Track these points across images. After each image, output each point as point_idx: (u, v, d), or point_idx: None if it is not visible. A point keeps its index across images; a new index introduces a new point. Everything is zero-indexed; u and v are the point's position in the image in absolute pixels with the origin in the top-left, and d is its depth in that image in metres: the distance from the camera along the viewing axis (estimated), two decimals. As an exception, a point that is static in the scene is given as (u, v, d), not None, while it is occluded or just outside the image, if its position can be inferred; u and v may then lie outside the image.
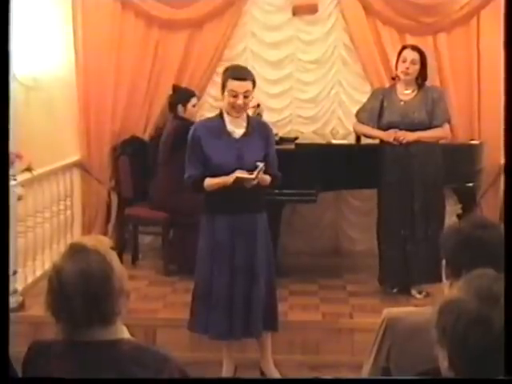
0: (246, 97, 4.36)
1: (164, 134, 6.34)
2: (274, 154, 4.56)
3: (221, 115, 4.49)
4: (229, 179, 4.31)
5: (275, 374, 4.72)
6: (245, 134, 4.46)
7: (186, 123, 6.26)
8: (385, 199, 5.73)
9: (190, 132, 4.53)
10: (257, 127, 4.53)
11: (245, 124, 4.48)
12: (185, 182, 4.54)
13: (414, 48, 5.69)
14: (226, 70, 4.54)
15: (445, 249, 2.36)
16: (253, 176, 4.28)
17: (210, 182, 4.41)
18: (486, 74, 6.62)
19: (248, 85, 4.38)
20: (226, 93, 4.38)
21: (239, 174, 4.29)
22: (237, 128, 4.46)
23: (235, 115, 4.42)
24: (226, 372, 4.72)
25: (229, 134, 4.44)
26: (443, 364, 1.70)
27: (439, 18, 6.70)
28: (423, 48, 5.80)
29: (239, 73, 4.46)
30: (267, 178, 4.45)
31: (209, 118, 4.74)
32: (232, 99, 4.36)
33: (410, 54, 5.59)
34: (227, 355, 4.74)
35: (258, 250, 4.50)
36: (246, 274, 4.47)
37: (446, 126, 5.73)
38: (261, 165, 4.32)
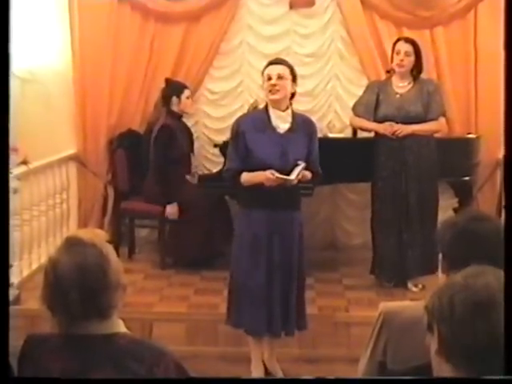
0: (280, 78, 4.35)
1: (155, 129, 6.33)
2: (317, 151, 4.53)
3: (266, 109, 4.46)
4: (266, 175, 4.25)
5: (277, 368, 4.72)
6: (289, 130, 4.43)
7: (168, 128, 6.23)
8: (379, 192, 5.74)
9: (234, 125, 4.52)
10: (302, 123, 4.49)
11: (290, 119, 4.44)
12: (223, 175, 4.54)
13: (408, 40, 5.72)
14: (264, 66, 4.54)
15: (441, 242, 2.35)
16: (293, 178, 4.25)
17: (247, 176, 4.37)
18: (483, 67, 6.62)
19: (282, 68, 4.40)
20: (264, 83, 4.41)
21: (278, 174, 4.23)
22: (282, 123, 4.42)
23: (272, 98, 4.37)
24: (256, 371, 4.65)
25: (273, 129, 4.41)
26: (432, 348, 1.70)
27: (436, 11, 6.69)
28: (418, 40, 5.80)
29: (274, 60, 4.53)
30: (308, 175, 4.43)
31: (253, 112, 4.74)
32: (267, 83, 4.37)
33: (403, 46, 5.60)
34: (255, 352, 4.67)
35: (294, 248, 4.49)
36: (284, 270, 4.45)
37: (442, 119, 5.74)
38: (302, 164, 4.31)
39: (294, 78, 4.45)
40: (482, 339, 1.60)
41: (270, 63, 4.45)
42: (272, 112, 4.43)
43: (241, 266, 4.50)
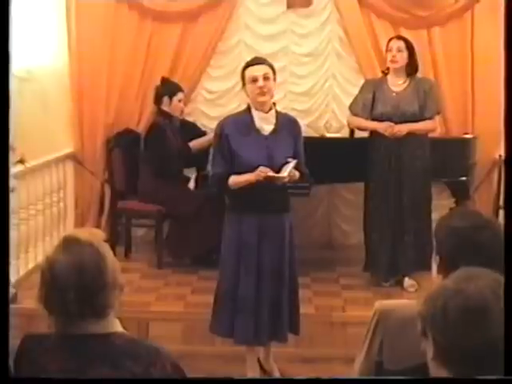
0: (266, 78, 4.23)
1: (147, 127, 6.35)
2: (302, 151, 4.45)
3: (249, 111, 4.35)
4: (255, 176, 4.17)
5: (274, 368, 4.70)
6: (274, 131, 4.33)
7: (158, 128, 6.23)
8: (372, 190, 5.76)
9: (217, 129, 4.42)
10: (286, 124, 4.39)
11: (274, 120, 4.34)
12: (209, 181, 4.45)
13: (400, 37, 5.83)
14: (243, 66, 4.42)
15: (439, 246, 2.34)
16: (285, 175, 4.17)
17: (235, 179, 4.27)
18: (480, 68, 6.63)
19: (266, 68, 4.28)
20: (247, 85, 4.28)
21: (270, 172, 4.16)
22: (266, 124, 4.32)
23: (261, 100, 4.26)
24: (251, 371, 4.57)
25: (257, 131, 4.31)
26: (429, 354, 1.70)
27: (434, 11, 6.71)
28: (415, 40, 5.85)
29: (254, 60, 4.40)
30: (297, 174, 4.32)
31: (236, 114, 4.57)
32: (253, 85, 4.23)
33: (395, 43, 5.67)
34: (250, 353, 4.59)
35: (285, 252, 4.40)
36: (274, 277, 4.36)
37: (436, 117, 5.78)
38: (293, 162, 4.22)
39: (275, 77, 4.36)
40: (477, 345, 1.60)
41: (250, 64, 4.32)
42: (255, 114, 4.32)
43: (229, 273, 4.41)
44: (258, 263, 4.35)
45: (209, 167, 5.95)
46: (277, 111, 4.42)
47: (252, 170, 4.21)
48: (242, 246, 4.36)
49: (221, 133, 4.35)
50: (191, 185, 6.34)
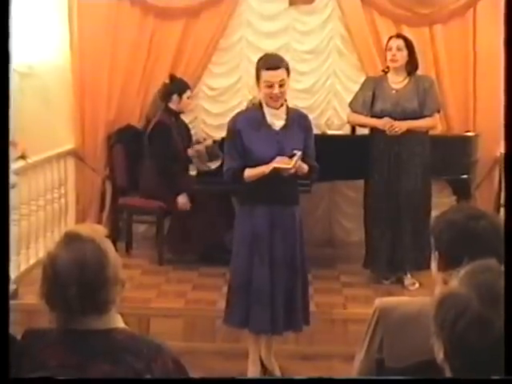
0: (281, 86, 4.30)
1: (150, 124, 6.32)
2: (312, 146, 4.51)
3: (260, 106, 4.43)
4: (267, 168, 4.27)
5: (275, 365, 4.71)
6: (284, 126, 4.41)
7: (163, 125, 6.22)
8: (372, 188, 5.77)
9: (230, 124, 4.49)
10: (296, 119, 4.47)
11: (284, 116, 4.42)
12: (224, 175, 4.49)
13: (399, 36, 5.84)
14: (259, 60, 4.43)
15: (438, 241, 2.33)
16: (290, 166, 4.24)
17: (250, 172, 4.35)
18: (482, 65, 6.63)
19: (282, 73, 4.31)
20: (261, 84, 4.33)
21: (276, 164, 4.25)
22: (277, 120, 4.40)
23: (273, 105, 4.37)
24: (253, 366, 4.60)
25: (269, 126, 4.39)
26: (439, 355, 1.69)
27: (436, 9, 6.70)
28: (417, 38, 5.85)
29: (272, 62, 4.37)
30: (305, 167, 4.38)
31: (248, 110, 4.65)
32: (268, 90, 4.30)
33: (395, 42, 5.69)
34: (254, 349, 4.62)
35: (297, 243, 4.48)
36: (287, 267, 4.43)
37: (436, 115, 5.78)
38: (298, 153, 4.28)
39: (289, 74, 4.40)
40: (493, 368, 1.59)
41: (267, 67, 4.31)
42: (267, 110, 4.40)
43: (243, 263, 4.46)
44: (271, 254, 4.42)
45: (209, 164, 6.06)
46: (288, 107, 4.48)
47: (264, 164, 4.30)
48: (255, 238, 4.41)
49: (233, 128, 4.43)
50: (193, 182, 6.33)
